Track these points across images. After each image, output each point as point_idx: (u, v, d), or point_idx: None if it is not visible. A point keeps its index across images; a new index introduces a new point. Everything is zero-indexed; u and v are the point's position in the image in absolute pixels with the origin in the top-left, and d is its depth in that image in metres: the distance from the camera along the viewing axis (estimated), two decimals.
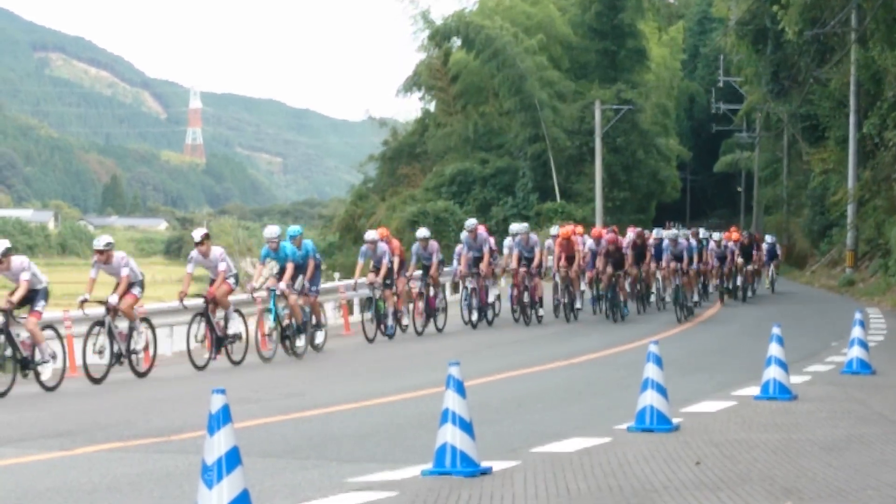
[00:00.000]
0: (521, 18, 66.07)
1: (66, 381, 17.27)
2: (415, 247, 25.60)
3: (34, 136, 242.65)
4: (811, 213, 55.92)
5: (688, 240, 29.73)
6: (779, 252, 42.41)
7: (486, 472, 8.86)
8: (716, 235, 35.59)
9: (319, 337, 21.67)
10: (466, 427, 8.71)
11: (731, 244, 35.31)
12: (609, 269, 27.49)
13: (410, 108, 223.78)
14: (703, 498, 8.07)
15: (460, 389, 8.66)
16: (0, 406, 14.47)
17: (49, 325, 17.67)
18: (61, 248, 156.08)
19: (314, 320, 21.49)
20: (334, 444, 10.88)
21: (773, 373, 13.64)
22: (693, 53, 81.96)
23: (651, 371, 11.07)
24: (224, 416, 6.61)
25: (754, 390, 14.01)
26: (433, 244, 25.71)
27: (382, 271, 23.67)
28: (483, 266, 26.20)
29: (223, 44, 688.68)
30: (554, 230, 30.74)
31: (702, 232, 35.87)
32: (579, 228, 31.81)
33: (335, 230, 72.40)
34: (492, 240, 27.02)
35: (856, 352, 16.59)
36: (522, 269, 26.61)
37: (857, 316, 17.03)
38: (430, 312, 25.55)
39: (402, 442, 11.01)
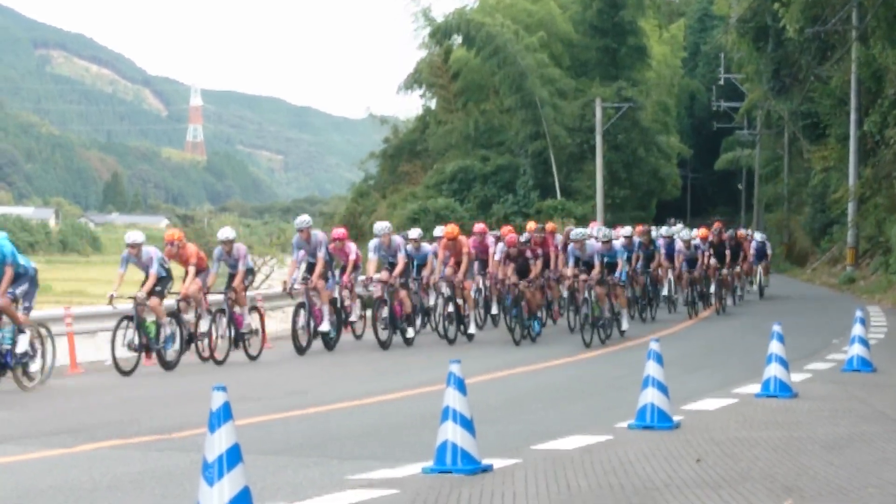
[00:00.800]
0: (522, 16, 66.07)
1: (66, 379, 17.29)
2: (216, 251, 20.13)
3: (35, 134, 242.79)
4: (812, 211, 55.96)
5: (608, 242, 22.84)
6: (769, 252, 37.42)
7: (486, 469, 8.87)
8: (684, 234, 30.34)
9: (33, 366, 16.19)
10: (467, 425, 8.71)
11: (701, 244, 29.89)
12: (511, 277, 22.34)
13: (411, 106, 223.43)
14: (703, 496, 8.07)
15: (461, 387, 8.67)
16: (1, 404, 14.47)
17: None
18: (62, 246, 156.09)
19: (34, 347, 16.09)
20: (335, 442, 10.89)
21: (773, 370, 13.65)
22: (694, 51, 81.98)
23: (652, 369, 11.08)
24: (225, 413, 6.61)
25: (755, 388, 14.03)
26: (240, 248, 20.25)
27: (149, 283, 18.28)
28: (314, 276, 20.86)
29: (224, 41, 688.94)
30: (438, 230, 24.95)
31: (665, 229, 31.19)
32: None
33: (334, 227, 72.44)
34: (352, 245, 22.08)
35: (856, 350, 16.60)
36: (390, 279, 21.75)
37: (858, 314, 17.05)
38: (238, 335, 19.84)
39: (402, 440, 11.02)
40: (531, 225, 25.61)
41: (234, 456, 6.61)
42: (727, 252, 30.80)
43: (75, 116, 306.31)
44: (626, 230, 29.13)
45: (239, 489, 6.60)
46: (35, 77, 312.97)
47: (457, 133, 66.82)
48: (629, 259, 27.11)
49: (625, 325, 23.28)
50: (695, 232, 31.47)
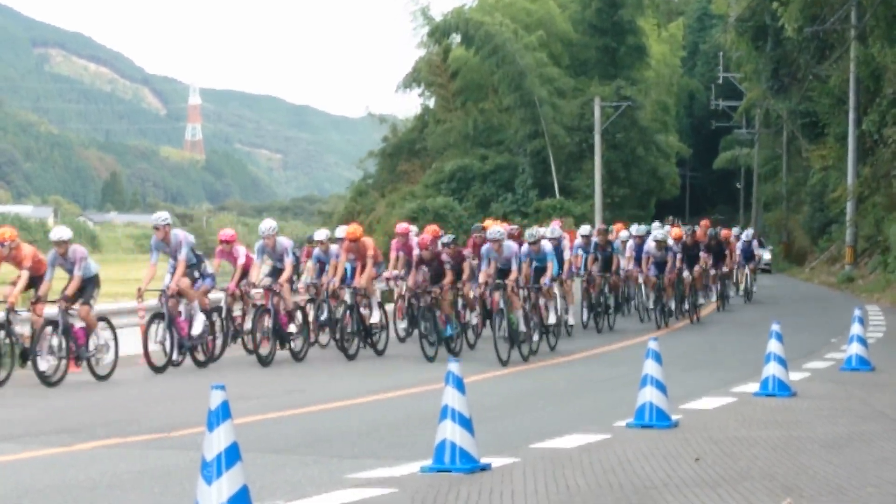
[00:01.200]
0: (521, 15, 66.07)
1: (66, 378, 17.20)
2: (50, 254, 16.85)
3: (34, 133, 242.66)
4: (811, 210, 56.01)
5: (536, 243, 19.91)
6: (756, 251, 34.70)
7: (485, 468, 8.86)
8: (657, 234, 26.53)
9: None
10: (466, 423, 8.71)
11: (674, 245, 26.26)
12: (418, 283, 19.69)
13: (410, 105, 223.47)
14: (702, 495, 8.06)
15: (459, 386, 8.66)
16: (1, 403, 14.46)
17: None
18: None
19: None
20: (334, 441, 10.89)
21: (772, 369, 13.66)
22: (693, 50, 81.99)
23: (650, 367, 11.08)
24: (224, 412, 6.61)
25: (754, 387, 14.03)
26: (77, 250, 16.87)
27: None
28: (173, 281, 18.06)
29: (223, 40, 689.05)
30: (340, 231, 21.82)
31: (634, 228, 27.99)
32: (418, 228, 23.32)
33: (334, 226, 72.44)
34: (241, 249, 19.85)
35: (855, 348, 16.62)
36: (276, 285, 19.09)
37: (857, 312, 17.05)
38: (78, 353, 16.71)
39: (401, 438, 11.02)
40: (488, 223, 23.15)
41: (232, 454, 6.60)
42: (701, 254, 27.71)
43: (74, 115, 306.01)
44: (585, 229, 26.72)
45: (238, 488, 6.60)
46: (34, 76, 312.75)
47: (455, 132, 66.82)
48: (586, 262, 25.12)
49: (552, 319, 20.65)
50: (660, 232, 27.57)
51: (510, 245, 19.08)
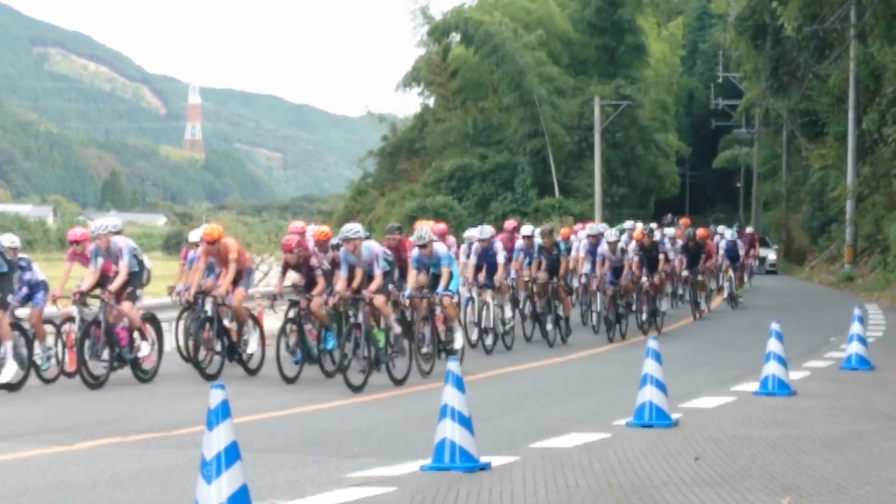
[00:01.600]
0: (521, 14, 66.07)
1: (65, 378, 17.17)
2: None
3: (33, 132, 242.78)
4: (810, 209, 56.01)
5: (426, 245, 17.25)
6: (741, 252, 31.81)
7: (484, 467, 8.86)
8: (609, 234, 23.38)
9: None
10: (465, 422, 8.71)
11: (635, 246, 23.83)
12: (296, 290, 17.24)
13: (410, 104, 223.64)
14: (702, 494, 8.07)
15: (459, 385, 8.66)
16: (0, 402, 14.46)
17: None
18: (60, 244, 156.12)
19: None
20: (333, 440, 10.89)
21: (772, 368, 13.66)
22: (692, 49, 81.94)
23: (650, 367, 11.08)
24: (223, 411, 6.60)
25: (753, 386, 14.04)
26: None
27: None
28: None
29: (222, 39, 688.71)
30: (197, 233, 18.63)
31: (590, 227, 25.39)
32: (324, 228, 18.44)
33: (334, 226, 72.43)
34: (119, 251, 16.32)
35: (855, 348, 16.63)
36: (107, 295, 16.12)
37: (856, 312, 17.06)
38: None
39: (400, 437, 11.03)
40: (422, 225, 19.44)
41: (232, 453, 6.60)
42: (660, 257, 24.67)
43: (73, 114, 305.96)
44: (527, 229, 23.42)
45: (237, 487, 6.60)
46: (33, 75, 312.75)
47: (455, 131, 66.83)
48: (530, 264, 22.14)
49: (458, 343, 17.65)
50: (612, 232, 24.06)
51: (370, 246, 16.03)
